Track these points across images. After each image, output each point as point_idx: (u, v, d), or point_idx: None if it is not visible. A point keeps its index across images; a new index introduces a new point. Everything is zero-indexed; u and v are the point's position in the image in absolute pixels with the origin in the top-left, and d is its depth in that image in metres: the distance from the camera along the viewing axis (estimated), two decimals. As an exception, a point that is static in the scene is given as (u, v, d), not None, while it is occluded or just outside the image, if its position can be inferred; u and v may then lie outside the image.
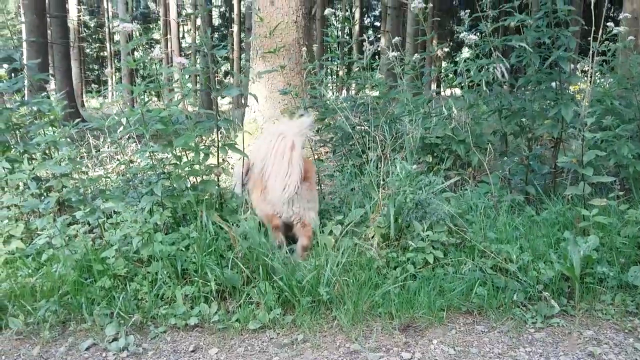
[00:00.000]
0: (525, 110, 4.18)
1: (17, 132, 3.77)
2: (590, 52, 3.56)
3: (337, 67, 6.05)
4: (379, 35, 18.62)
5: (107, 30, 28.84)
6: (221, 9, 33.42)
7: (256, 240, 2.92)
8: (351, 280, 2.79)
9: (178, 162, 3.36)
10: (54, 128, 3.76)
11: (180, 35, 25.15)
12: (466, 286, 2.82)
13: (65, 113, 3.87)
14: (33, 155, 3.72)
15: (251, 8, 6.90)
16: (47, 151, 3.77)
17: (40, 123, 3.74)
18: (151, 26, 31.76)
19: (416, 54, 4.82)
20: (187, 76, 3.45)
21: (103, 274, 2.84)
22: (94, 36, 34.47)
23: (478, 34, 4.31)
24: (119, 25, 3.15)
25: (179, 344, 2.53)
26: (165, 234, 3.11)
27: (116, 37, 27.58)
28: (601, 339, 2.51)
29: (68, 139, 3.65)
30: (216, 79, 3.66)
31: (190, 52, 26.97)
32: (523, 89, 4.42)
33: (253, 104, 6.35)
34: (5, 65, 4.07)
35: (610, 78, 4.63)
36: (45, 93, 4.23)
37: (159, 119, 3.24)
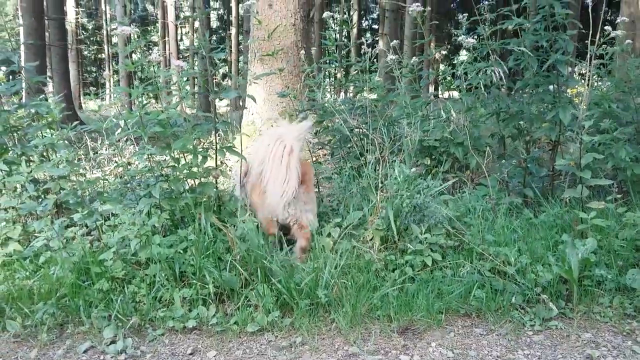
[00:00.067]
0: (523, 113, 4.19)
1: (15, 134, 3.76)
2: (588, 55, 3.57)
3: (335, 69, 6.05)
4: (377, 38, 18.66)
5: (105, 32, 28.83)
6: (219, 12, 33.47)
7: (254, 243, 2.92)
8: (349, 283, 2.79)
9: (176, 165, 3.35)
10: (51, 130, 3.75)
11: (178, 38, 25.18)
12: (464, 289, 2.82)
13: (63, 115, 3.87)
14: (31, 157, 3.72)
15: (249, 11, 6.91)
16: (44, 153, 3.76)
17: (38, 125, 3.73)
18: (149, 28, 31.76)
19: (414, 57, 4.84)
20: (185, 79, 3.44)
21: (101, 277, 2.83)
22: (91, 38, 34.48)
23: (476, 37, 4.32)
24: (117, 28, 3.15)
25: (177, 347, 2.52)
26: (164, 237, 3.11)
27: (114, 40, 27.58)
28: (599, 341, 2.52)
29: (66, 142, 3.64)
30: (214, 81, 3.66)
31: (188, 54, 26.99)
32: (521, 91, 4.43)
33: (251, 106, 6.34)
34: (3, 68, 4.06)
35: (608, 81, 4.64)
36: (44, 95, 4.22)
37: (157, 121, 3.24)
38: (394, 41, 4.74)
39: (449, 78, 5.12)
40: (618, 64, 4.62)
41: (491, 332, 2.62)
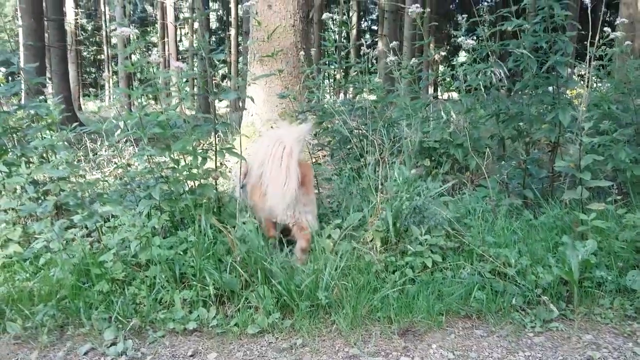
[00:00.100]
0: (523, 115, 4.19)
1: (15, 135, 3.76)
2: (588, 56, 3.58)
3: (335, 70, 6.05)
4: (377, 39, 18.67)
5: (104, 33, 28.83)
6: (218, 13, 33.50)
7: (255, 244, 2.92)
8: (350, 285, 2.79)
9: (176, 166, 3.35)
10: (51, 132, 3.75)
11: (178, 39, 25.18)
12: (465, 290, 2.82)
13: (62, 117, 3.87)
14: (30, 159, 3.71)
15: (249, 12, 6.91)
16: (44, 155, 3.76)
17: (38, 127, 3.73)
18: (148, 29, 31.77)
19: (414, 59, 4.84)
20: (184, 80, 3.44)
21: (101, 278, 2.83)
22: (91, 39, 34.49)
23: (475, 38, 4.33)
24: (116, 30, 3.15)
25: (178, 349, 2.52)
26: (164, 238, 3.10)
27: (113, 41, 27.58)
28: (600, 343, 2.52)
29: (65, 143, 3.64)
30: (214, 82, 3.66)
31: (187, 55, 26.99)
32: (520, 93, 4.44)
33: (251, 107, 6.35)
34: (3, 69, 4.06)
35: (608, 83, 4.65)
36: (43, 97, 4.22)
37: (156, 122, 3.24)
38: (394, 42, 4.75)
39: (448, 79, 5.13)
40: (617, 66, 4.63)
41: (492, 333, 2.61)
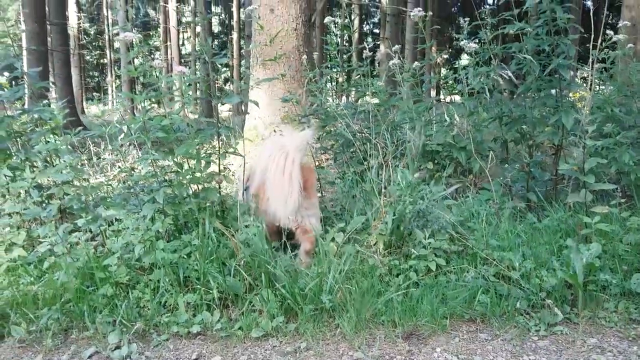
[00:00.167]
0: (526, 118, 4.19)
1: (19, 139, 3.77)
2: (590, 59, 3.58)
3: (337, 74, 6.07)
4: (379, 42, 18.70)
5: (107, 37, 28.92)
6: (221, 16, 33.58)
7: (258, 248, 2.92)
8: (354, 288, 2.78)
9: (179, 170, 3.36)
10: (55, 136, 3.76)
11: (180, 43, 25.24)
12: (469, 294, 2.82)
13: (66, 121, 3.88)
14: (34, 163, 3.72)
15: (251, 16, 6.94)
16: (48, 159, 3.77)
17: (42, 131, 3.74)
18: (151, 33, 31.87)
19: (416, 62, 4.85)
20: (187, 84, 3.45)
21: (105, 282, 2.83)
22: (94, 43, 34.60)
23: (477, 41, 4.33)
24: (119, 34, 3.16)
25: (182, 352, 2.52)
26: (167, 242, 3.11)
27: (116, 45, 27.66)
28: (605, 346, 2.51)
29: (69, 147, 3.65)
30: (216, 86, 3.67)
31: (190, 59, 27.06)
32: (523, 96, 4.44)
33: (253, 110, 6.36)
34: (7, 74, 4.07)
35: (610, 85, 4.65)
36: (47, 101, 4.24)
37: (160, 127, 3.25)
38: (396, 46, 4.76)
39: (450, 82, 5.13)
40: (620, 68, 4.63)
41: (496, 337, 2.61)
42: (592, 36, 3.51)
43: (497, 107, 4.34)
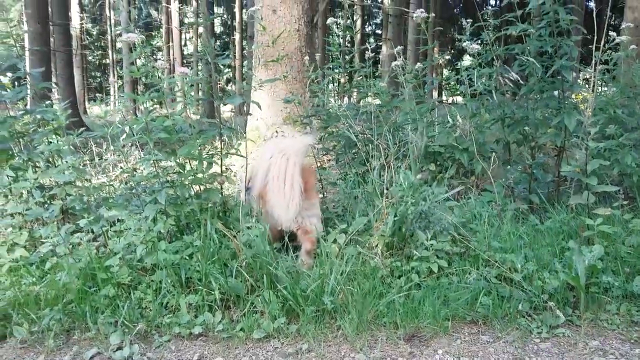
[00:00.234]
0: (528, 119, 4.18)
1: (21, 140, 3.77)
2: (593, 61, 3.57)
3: (339, 75, 6.06)
4: (381, 43, 18.70)
5: (109, 38, 28.97)
6: (223, 17, 33.62)
7: (260, 249, 2.92)
8: (355, 290, 2.78)
9: (182, 171, 3.36)
10: (57, 136, 3.77)
11: (183, 43, 25.27)
12: (471, 295, 2.81)
13: (68, 121, 3.89)
14: (37, 163, 3.73)
15: (253, 17, 6.94)
16: (50, 159, 3.77)
17: (44, 131, 3.75)
18: (153, 34, 31.91)
19: (418, 63, 4.84)
20: (189, 85, 3.45)
21: (107, 283, 2.83)
22: (96, 44, 34.66)
23: (480, 42, 4.33)
24: (122, 35, 3.16)
25: (184, 353, 2.52)
26: (169, 243, 3.11)
27: (118, 45, 27.71)
28: (607, 349, 2.50)
29: (72, 147, 3.66)
30: (218, 87, 3.67)
31: (192, 59, 27.09)
32: (526, 97, 4.44)
33: (256, 111, 6.36)
34: (9, 74, 4.08)
35: (613, 87, 4.64)
36: (50, 102, 4.24)
37: (162, 127, 3.25)
38: (398, 47, 4.75)
39: (452, 83, 5.13)
40: (623, 70, 4.63)
41: (498, 339, 2.60)
42: (595, 38, 3.51)
43: (500, 108, 4.33)
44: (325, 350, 2.51)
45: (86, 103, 25.33)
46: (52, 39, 11.94)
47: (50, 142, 3.70)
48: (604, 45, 3.62)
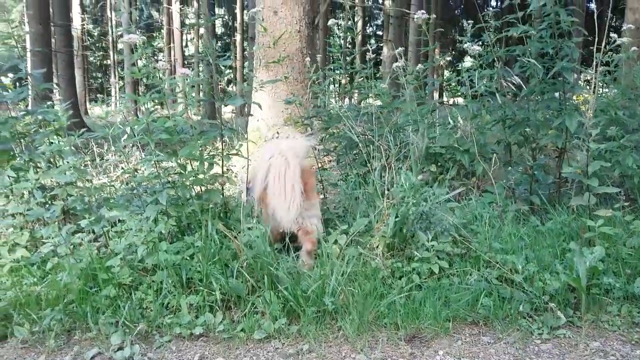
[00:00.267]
0: (529, 120, 4.18)
1: (23, 140, 3.78)
2: (594, 62, 3.57)
3: (340, 76, 6.07)
4: (382, 44, 18.70)
5: (110, 39, 29.00)
6: (224, 18, 33.65)
7: (261, 250, 2.92)
8: (356, 290, 2.78)
9: (183, 171, 3.37)
10: (59, 137, 3.77)
11: (184, 44, 25.30)
12: (472, 297, 2.81)
13: (69, 122, 3.89)
14: (38, 164, 3.74)
15: (254, 18, 6.95)
16: (52, 160, 3.78)
17: (46, 132, 3.75)
18: (154, 35, 31.95)
19: (420, 65, 4.84)
20: (190, 86, 3.46)
21: (108, 283, 2.84)
22: (97, 45, 34.70)
23: (481, 44, 4.33)
24: (123, 36, 3.17)
25: (184, 354, 2.52)
26: (170, 243, 3.11)
27: (119, 46, 27.74)
28: (608, 350, 2.50)
29: (73, 148, 3.66)
30: (219, 88, 3.68)
31: (193, 60, 27.12)
32: (527, 99, 4.44)
33: (257, 112, 6.37)
34: (11, 75, 4.09)
35: (614, 88, 4.64)
36: (51, 102, 4.25)
37: (164, 128, 3.26)
38: (399, 48, 4.76)
39: (453, 85, 5.13)
40: (624, 71, 4.63)
41: (499, 340, 2.60)
42: (596, 39, 3.51)
43: (501, 109, 4.33)
44: (326, 351, 2.51)
45: (87, 104, 25.34)
46: (53, 40, 11.96)
47: (52, 143, 3.70)
48: (605, 47, 3.62)
